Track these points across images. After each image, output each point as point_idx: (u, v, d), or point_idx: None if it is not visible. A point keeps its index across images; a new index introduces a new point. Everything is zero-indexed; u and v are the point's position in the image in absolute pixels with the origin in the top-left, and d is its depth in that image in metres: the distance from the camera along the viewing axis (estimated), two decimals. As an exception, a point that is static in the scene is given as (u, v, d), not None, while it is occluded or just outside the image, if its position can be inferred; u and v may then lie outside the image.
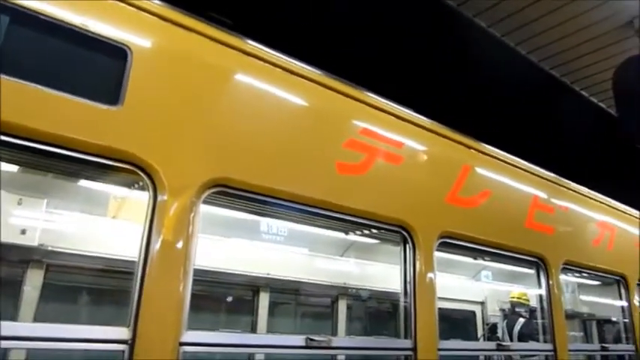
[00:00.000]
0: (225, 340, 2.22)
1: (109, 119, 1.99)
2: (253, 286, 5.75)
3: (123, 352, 1.86)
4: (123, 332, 1.87)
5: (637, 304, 4.95)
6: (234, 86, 2.48)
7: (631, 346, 4.78)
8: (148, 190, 2.06)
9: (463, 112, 4.57)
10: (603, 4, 4.16)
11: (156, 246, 1.98)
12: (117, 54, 2.10)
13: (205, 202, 2.31)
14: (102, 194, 3.90)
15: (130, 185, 2.76)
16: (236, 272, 5.29)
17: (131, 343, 1.86)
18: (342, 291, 6.48)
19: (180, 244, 2.04)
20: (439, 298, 7.12)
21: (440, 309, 7.18)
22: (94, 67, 2.08)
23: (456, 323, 7.92)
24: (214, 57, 2.43)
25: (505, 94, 5.68)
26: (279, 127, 2.54)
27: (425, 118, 3.31)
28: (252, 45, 2.58)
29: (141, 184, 2.12)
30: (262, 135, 2.45)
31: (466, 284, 7.91)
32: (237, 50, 2.50)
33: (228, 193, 2.35)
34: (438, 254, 5.02)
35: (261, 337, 3.35)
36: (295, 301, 7.34)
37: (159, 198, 2.04)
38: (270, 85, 2.58)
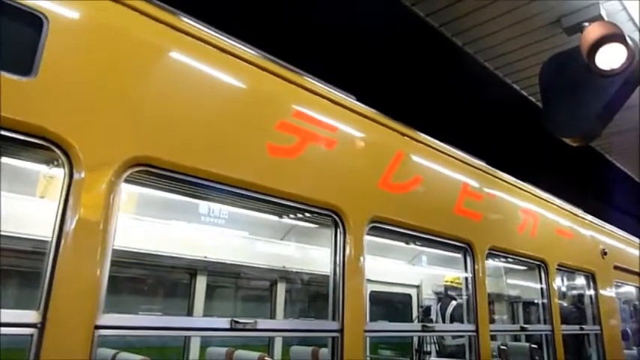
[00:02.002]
0: (145, 323, 2.17)
1: (21, 91, 1.87)
2: (190, 269, 5.67)
3: (32, 335, 1.78)
4: (32, 315, 1.79)
5: (555, 287, 5.29)
6: (162, 62, 2.39)
7: (548, 326, 5.10)
8: (64, 168, 1.97)
9: (398, 98, 4.66)
10: (533, 1, 4.35)
11: (70, 226, 1.89)
12: (31, 22, 1.97)
13: (129, 181, 2.24)
14: (24, 173, 3.69)
15: (48, 163, 2.62)
16: (171, 255, 5.19)
17: (41, 326, 1.78)
18: (282, 274, 6.51)
19: (97, 225, 1.96)
20: (378, 281, 7.33)
21: (378, 292, 7.41)
22: (4, 34, 1.94)
23: (394, 306, 8.20)
24: (142, 31, 2.33)
25: (441, 84, 5.85)
26: (208, 105, 2.49)
27: (360, 104, 3.34)
28: (184, 21, 2.50)
29: (60, 161, 2.02)
30: (190, 113, 2.39)
31: (403, 268, 8.17)
32: (167, 26, 2.41)
33: (153, 172, 2.28)
34: (376, 240, 5.19)
35: (184, 320, 3.31)
36: (235, 284, 7.33)
37: (75, 175, 1.95)
38: (201, 62, 2.51)
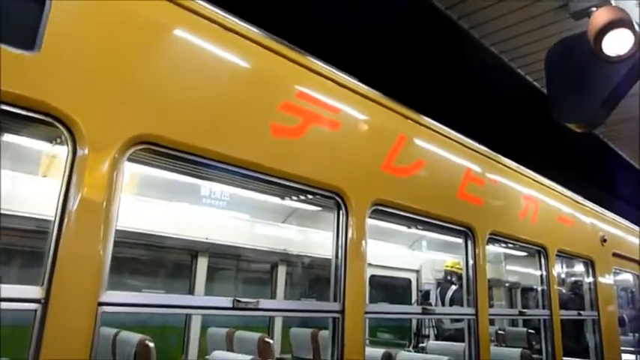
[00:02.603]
0: (148, 301, 2.18)
1: (24, 65, 1.85)
2: (192, 250, 5.70)
3: (35, 311, 1.79)
4: (36, 291, 1.80)
5: (554, 273, 5.31)
6: (166, 39, 2.37)
7: (546, 311, 5.14)
8: (67, 144, 1.96)
9: (402, 81, 4.63)
10: (540, -15, 4.29)
11: (73, 203, 1.89)
12: (34, -4, 1.95)
13: (133, 160, 2.23)
14: (27, 150, 3.68)
15: (51, 140, 2.62)
16: (172, 236, 5.22)
17: (44, 302, 1.79)
18: (283, 257, 6.56)
19: (100, 203, 1.96)
20: (379, 265, 7.36)
21: (378, 276, 7.45)
22: (7, 8, 1.91)
23: (393, 290, 8.27)
24: (147, 8, 2.30)
25: (446, 68, 5.80)
26: (212, 84, 2.47)
27: (363, 85, 3.31)
28: (189, -1, 2.46)
29: (63, 138, 2.01)
30: (194, 92, 2.37)
31: (403, 253, 8.22)
32: (172, 3, 2.38)
33: (157, 151, 2.27)
34: (378, 224, 5.19)
35: (187, 298, 3.33)
36: (236, 266, 7.39)
37: (78, 152, 1.94)
38: (205, 41, 2.49)
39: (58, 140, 2.41)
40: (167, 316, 5.75)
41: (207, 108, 2.42)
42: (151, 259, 6.15)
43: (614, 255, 6.81)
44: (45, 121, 1.93)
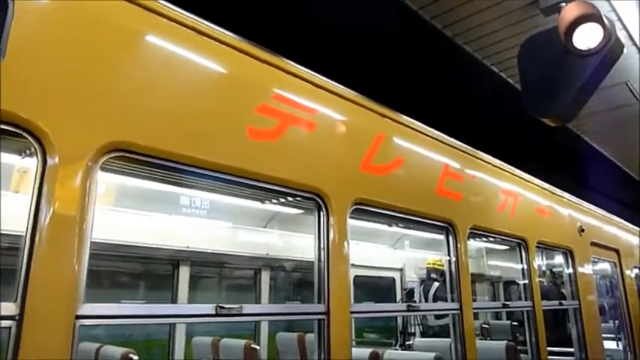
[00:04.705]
0: (128, 312, 2.13)
1: (-13, 75, 1.79)
2: (172, 259, 5.62)
3: (9, 328, 1.73)
4: (9, 308, 1.74)
5: (535, 264, 5.38)
6: (137, 45, 2.32)
7: (529, 303, 5.20)
8: (37, 155, 1.90)
9: (377, 81, 4.64)
10: (510, -18, 4.35)
11: (45, 215, 1.83)
12: (-4, 3, 1.89)
13: (106, 169, 2.18)
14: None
15: (20, 152, 2.54)
16: (152, 246, 5.13)
17: (19, 318, 1.73)
18: (265, 262, 6.52)
19: (73, 214, 1.90)
20: (362, 266, 7.37)
21: (363, 276, 7.45)
22: (-32, 16, 1.85)
23: (378, 289, 8.29)
24: (116, 13, 2.25)
25: (420, 67, 5.85)
26: (187, 88, 2.43)
27: (340, 86, 3.30)
28: (161, 3, 2.42)
29: (33, 149, 1.95)
30: (169, 97, 2.33)
31: (386, 252, 8.25)
32: (143, 8, 2.34)
33: (132, 158, 2.22)
34: (361, 224, 5.18)
35: (168, 307, 3.26)
36: (218, 274, 7.30)
37: (49, 162, 1.88)
38: (179, 45, 2.45)
39: (28, 152, 2.34)
40: (150, 330, 5.66)
41: (183, 113, 2.38)
42: (131, 270, 6.04)
43: (593, 244, 6.94)
44: (12, 132, 1.87)
